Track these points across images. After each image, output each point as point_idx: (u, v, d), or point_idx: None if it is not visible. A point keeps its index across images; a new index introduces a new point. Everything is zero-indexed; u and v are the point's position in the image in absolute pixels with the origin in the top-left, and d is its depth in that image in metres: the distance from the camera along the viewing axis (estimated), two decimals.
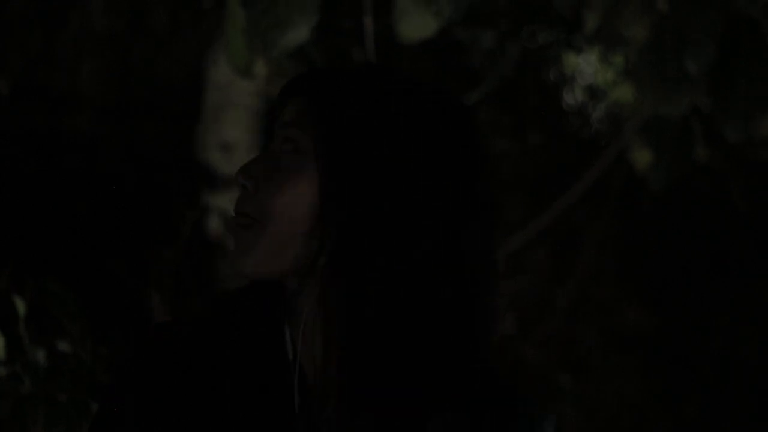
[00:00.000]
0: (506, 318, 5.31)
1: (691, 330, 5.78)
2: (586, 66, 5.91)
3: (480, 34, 4.75)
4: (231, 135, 4.25)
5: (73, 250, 4.68)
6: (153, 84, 5.57)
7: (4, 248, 3.94)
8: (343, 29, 4.44)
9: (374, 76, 1.51)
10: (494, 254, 1.50)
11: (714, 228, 5.85)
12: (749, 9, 3.04)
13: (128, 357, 1.55)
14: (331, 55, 4.05)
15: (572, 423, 5.35)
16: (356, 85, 1.49)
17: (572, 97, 6.01)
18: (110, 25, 5.53)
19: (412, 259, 1.44)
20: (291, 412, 1.48)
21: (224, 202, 4.26)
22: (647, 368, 5.77)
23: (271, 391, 1.49)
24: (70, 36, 5.46)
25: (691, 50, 2.98)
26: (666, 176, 3.63)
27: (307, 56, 3.05)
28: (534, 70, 5.64)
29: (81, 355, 2.65)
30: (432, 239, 1.45)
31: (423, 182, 1.45)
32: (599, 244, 5.76)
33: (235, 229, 1.47)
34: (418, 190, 1.45)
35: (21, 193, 4.93)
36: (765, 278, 5.78)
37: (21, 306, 2.62)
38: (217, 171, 4.26)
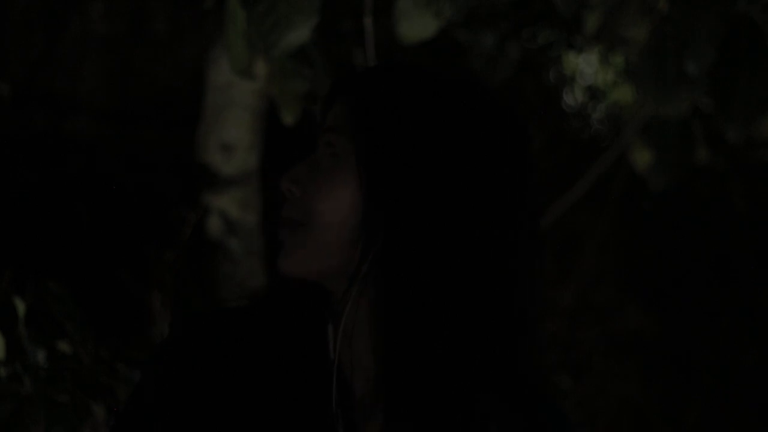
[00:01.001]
0: None
1: (691, 332, 5.78)
2: (587, 67, 5.92)
3: (480, 35, 4.75)
4: (232, 135, 4.25)
5: (73, 251, 4.68)
6: (154, 86, 5.57)
7: (5, 249, 3.94)
8: (344, 30, 4.44)
9: (415, 76, 1.51)
10: (538, 261, 1.50)
11: (714, 229, 5.85)
12: (749, 9, 3.03)
13: (166, 344, 1.56)
14: (332, 56, 4.05)
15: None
16: (395, 87, 1.49)
17: (572, 98, 6.01)
18: (111, 28, 5.54)
19: (456, 262, 1.45)
20: (329, 410, 1.49)
21: (225, 202, 4.27)
22: (648, 370, 5.77)
23: (309, 388, 1.50)
24: (72, 39, 5.47)
25: (692, 51, 2.97)
26: (666, 177, 3.63)
27: (308, 57, 3.05)
28: (534, 70, 5.64)
29: (81, 356, 2.65)
30: (474, 242, 1.45)
31: (463, 185, 1.46)
32: (600, 246, 5.76)
33: (283, 233, 1.49)
34: (459, 194, 1.46)
35: (22, 195, 4.93)
36: (766, 279, 5.78)
37: (21, 307, 2.62)
38: (218, 171, 4.26)
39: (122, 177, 5.10)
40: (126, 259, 3.78)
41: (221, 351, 1.53)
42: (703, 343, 5.76)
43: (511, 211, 1.47)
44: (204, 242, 4.25)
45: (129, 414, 1.54)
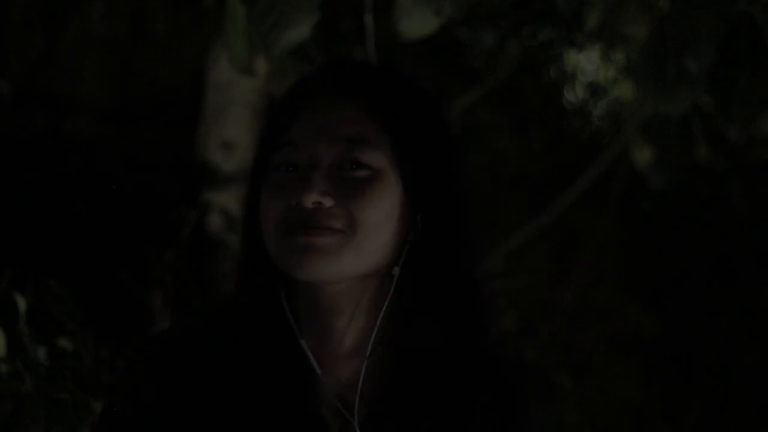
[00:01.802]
0: (507, 317, 5.30)
1: (691, 332, 5.78)
2: (587, 64, 5.92)
3: (480, 33, 4.75)
4: (232, 133, 4.25)
5: (74, 250, 4.68)
6: (154, 86, 5.57)
7: (5, 249, 3.94)
8: (344, 28, 4.44)
9: (409, 82, 1.63)
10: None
11: (714, 229, 5.85)
12: (749, 9, 3.03)
13: (131, 368, 1.61)
14: (332, 54, 4.06)
15: (573, 424, 5.34)
16: (409, 98, 1.62)
17: (573, 95, 6.01)
18: (111, 28, 5.54)
19: (463, 260, 1.62)
20: (320, 420, 1.57)
21: (225, 200, 4.27)
22: (648, 370, 5.77)
23: (294, 402, 1.57)
24: (72, 39, 5.47)
25: (692, 50, 2.97)
26: (666, 176, 3.63)
27: (308, 55, 3.06)
28: (535, 68, 5.64)
29: (82, 354, 2.65)
30: (472, 242, 1.64)
31: (459, 185, 1.64)
32: (600, 246, 5.76)
33: (314, 237, 1.54)
34: (459, 192, 1.64)
35: (22, 195, 4.93)
36: (766, 279, 5.77)
37: (22, 305, 2.62)
38: (218, 169, 4.26)
39: (122, 177, 5.10)
40: (126, 259, 3.78)
41: (192, 369, 1.58)
42: (703, 343, 5.76)
43: (472, 205, 1.66)
44: (204, 241, 4.25)
45: None
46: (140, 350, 1.60)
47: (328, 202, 1.55)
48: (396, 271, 1.58)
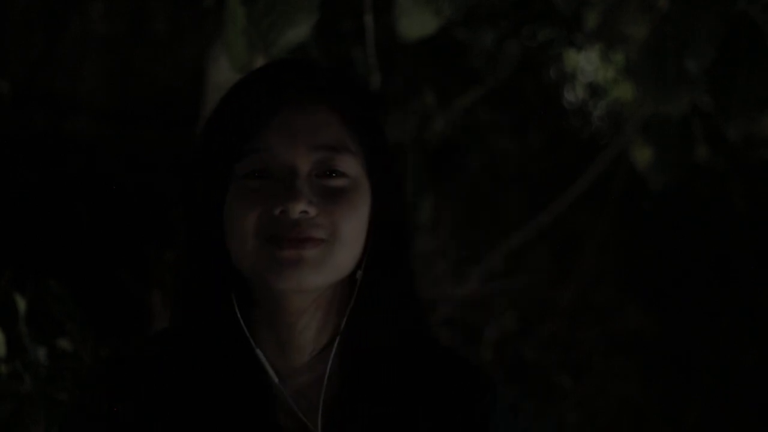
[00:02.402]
0: (507, 317, 5.30)
1: (691, 332, 5.78)
2: (587, 64, 5.91)
3: (480, 33, 4.75)
4: None
5: (74, 250, 4.68)
6: (154, 86, 5.57)
7: (5, 249, 3.94)
8: (344, 28, 4.44)
9: (364, 86, 1.63)
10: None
11: (714, 229, 5.85)
12: (749, 9, 3.04)
13: (87, 386, 1.59)
14: (332, 54, 4.06)
15: (573, 424, 5.34)
16: (368, 99, 1.62)
17: (573, 95, 6.00)
18: (111, 28, 5.53)
19: (410, 261, 1.63)
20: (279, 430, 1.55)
21: None
22: (648, 370, 5.77)
23: (251, 414, 1.55)
24: (72, 39, 5.47)
25: (692, 49, 2.97)
26: (666, 176, 3.63)
27: (308, 55, 3.06)
28: (534, 68, 5.64)
29: (82, 354, 2.65)
30: (406, 250, 1.64)
31: (404, 201, 1.66)
32: (600, 246, 5.76)
33: (307, 252, 1.53)
34: (405, 209, 1.65)
35: (22, 195, 4.93)
36: (766, 279, 5.77)
37: (22, 305, 2.62)
38: None
39: (122, 177, 5.10)
40: (126, 259, 3.79)
41: (148, 383, 1.56)
42: (703, 343, 5.76)
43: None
44: None
45: None
46: (96, 368, 1.60)
47: (312, 211, 1.53)
48: (359, 275, 1.58)
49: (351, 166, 1.56)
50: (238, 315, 1.56)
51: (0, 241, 4.42)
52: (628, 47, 3.39)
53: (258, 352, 1.56)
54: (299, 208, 1.52)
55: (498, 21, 4.75)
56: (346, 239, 1.54)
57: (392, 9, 3.14)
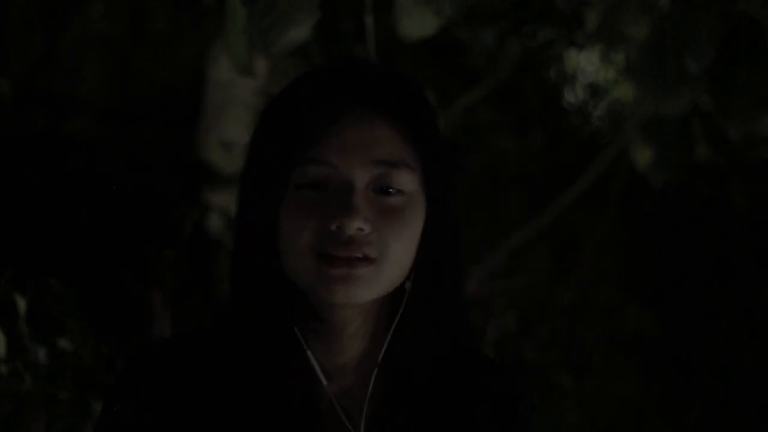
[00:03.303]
0: (507, 317, 5.30)
1: (691, 332, 5.78)
2: (587, 64, 5.92)
3: (480, 33, 4.76)
4: (232, 133, 4.25)
5: (74, 249, 4.68)
6: (154, 86, 5.58)
7: (5, 249, 3.94)
8: (344, 28, 4.45)
9: (423, 94, 1.62)
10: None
11: (714, 229, 5.85)
12: (749, 8, 3.04)
13: (131, 370, 1.59)
14: (332, 54, 4.06)
15: (573, 424, 5.34)
16: (429, 110, 1.61)
17: (573, 96, 6.01)
18: (111, 28, 5.54)
19: (458, 270, 1.63)
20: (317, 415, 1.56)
21: (225, 200, 4.27)
22: (648, 370, 5.77)
23: (299, 413, 1.56)
24: (72, 39, 5.47)
25: (692, 49, 2.97)
26: (666, 175, 3.63)
27: (309, 55, 3.06)
28: (535, 68, 5.64)
29: (82, 353, 2.65)
30: (454, 259, 1.63)
31: (455, 210, 1.64)
32: (600, 246, 5.76)
33: (358, 269, 1.54)
34: (455, 218, 1.63)
35: (22, 194, 4.93)
36: (766, 279, 5.78)
37: (22, 304, 2.62)
38: (218, 169, 4.26)
39: (122, 177, 5.10)
40: (126, 259, 3.79)
41: (195, 374, 1.56)
42: (703, 343, 5.76)
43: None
44: (204, 241, 4.25)
45: None
46: (140, 352, 1.59)
47: (368, 228, 1.53)
48: (408, 285, 1.58)
49: (408, 182, 1.55)
50: (290, 318, 1.57)
51: (0, 241, 4.42)
52: (629, 47, 3.39)
53: (309, 353, 1.57)
54: (356, 225, 1.52)
55: (498, 21, 4.75)
56: (395, 258, 1.54)
57: (392, 9, 3.14)
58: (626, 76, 5.46)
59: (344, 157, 1.53)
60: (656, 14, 3.11)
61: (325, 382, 1.57)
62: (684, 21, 2.98)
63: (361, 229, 1.52)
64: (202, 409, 1.54)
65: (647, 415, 5.70)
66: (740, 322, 5.79)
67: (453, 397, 1.58)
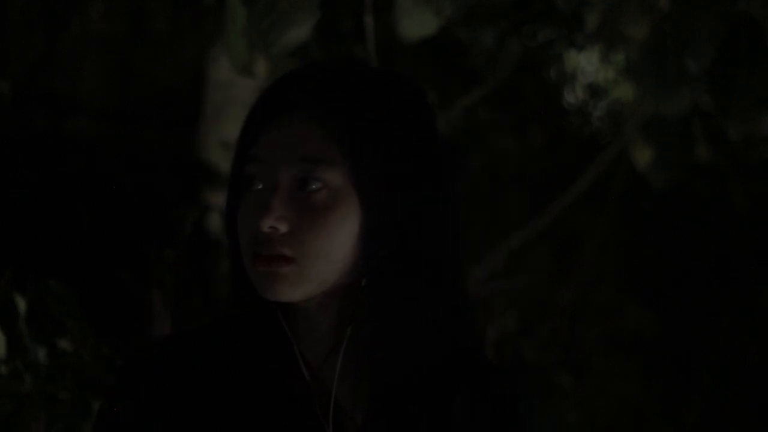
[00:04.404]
0: (507, 317, 5.30)
1: (691, 332, 5.78)
2: (587, 64, 5.92)
3: (480, 33, 4.76)
4: (232, 133, 4.24)
5: (74, 249, 4.68)
6: (154, 86, 5.58)
7: (5, 249, 3.94)
8: (344, 28, 4.45)
9: (374, 84, 1.56)
10: (464, 251, 1.62)
11: (714, 229, 5.85)
12: (749, 8, 3.04)
13: (129, 369, 1.59)
14: (332, 54, 4.06)
15: (573, 424, 5.35)
16: (368, 103, 1.54)
17: (573, 96, 6.01)
18: (111, 28, 5.54)
19: (430, 276, 1.56)
20: (311, 421, 1.55)
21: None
22: (648, 370, 5.77)
23: (285, 401, 1.55)
24: (72, 39, 5.47)
25: (692, 49, 2.98)
26: (667, 175, 3.63)
27: (309, 55, 3.06)
28: (535, 68, 5.65)
29: (82, 353, 2.65)
30: (440, 257, 1.57)
31: (430, 205, 1.56)
32: (600, 246, 5.76)
33: (273, 268, 1.51)
34: (429, 213, 1.56)
35: (22, 194, 4.93)
36: (766, 279, 5.78)
37: (22, 304, 2.63)
38: (218, 169, 4.26)
39: (122, 177, 5.11)
40: (126, 259, 3.79)
41: (190, 372, 1.57)
42: (703, 343, 5.76)
43: (454, 216, 1.60)
44: (204, 241, 4.25)
45: None
46: (139, 351, 1.60)
47: (283, 228, 1.51)
48: (364, 282, 1.55)
49: (332, 177, 1.51)
50: (279, 313, 1.58)
51: (0, 241, 4.42)
52: (629, 47, 3.39)
53: (296, 348, 1.56)
54: (267, 224, 1.50)
55: (498, 21, 4.75)
56: (316, 256, 1.51)
57: (392, 9, 3.14)
58: (626, 76, 5.46)
59: (271, 155, 1.52)
60: (656, 14, 3.11)
61: (308, 377, 1.56)
62: (684, 21, 2.98)
63: (275, 228, 1.51)
64: (200, 407, 1.55)
65: (647, 415, 5.70)
66: (740, 322, 5.79)
67: (447, 396, 1.56)
